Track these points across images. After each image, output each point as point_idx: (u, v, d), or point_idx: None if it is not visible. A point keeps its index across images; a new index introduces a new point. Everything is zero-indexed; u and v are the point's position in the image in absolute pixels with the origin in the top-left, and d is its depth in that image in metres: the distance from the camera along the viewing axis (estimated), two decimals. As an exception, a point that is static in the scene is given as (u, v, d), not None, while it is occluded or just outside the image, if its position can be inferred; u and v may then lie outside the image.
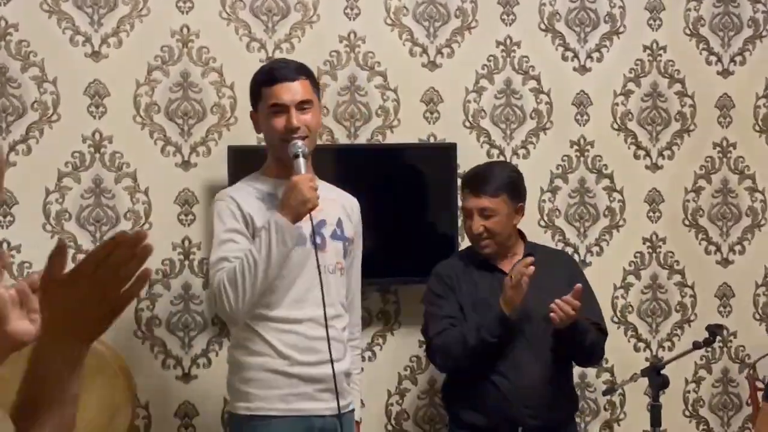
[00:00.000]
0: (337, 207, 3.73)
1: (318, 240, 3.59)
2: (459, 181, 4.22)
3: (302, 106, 3.58)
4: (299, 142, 3.53)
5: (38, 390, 1.72)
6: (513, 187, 4.07)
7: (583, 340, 3.95)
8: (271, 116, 3.59)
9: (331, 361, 3.52)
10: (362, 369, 4.01)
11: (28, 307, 1.66)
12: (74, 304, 1.67)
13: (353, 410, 3.74)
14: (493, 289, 3.96)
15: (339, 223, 3.71)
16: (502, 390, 3.93)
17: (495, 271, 4.06)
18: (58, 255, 1.67)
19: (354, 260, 3.81)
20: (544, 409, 3.96)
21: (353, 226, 3.78)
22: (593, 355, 4.14)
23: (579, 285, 3.84)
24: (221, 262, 3.52)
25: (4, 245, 4.32)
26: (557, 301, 3.79)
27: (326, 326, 3.52)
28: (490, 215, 4.01)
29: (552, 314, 3.79)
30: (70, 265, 1.67)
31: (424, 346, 4.20)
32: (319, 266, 3.51)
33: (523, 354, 3.95)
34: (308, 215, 3.48)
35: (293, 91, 3.58)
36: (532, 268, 3.77)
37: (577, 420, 4.75)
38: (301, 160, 3.51)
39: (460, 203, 4.23)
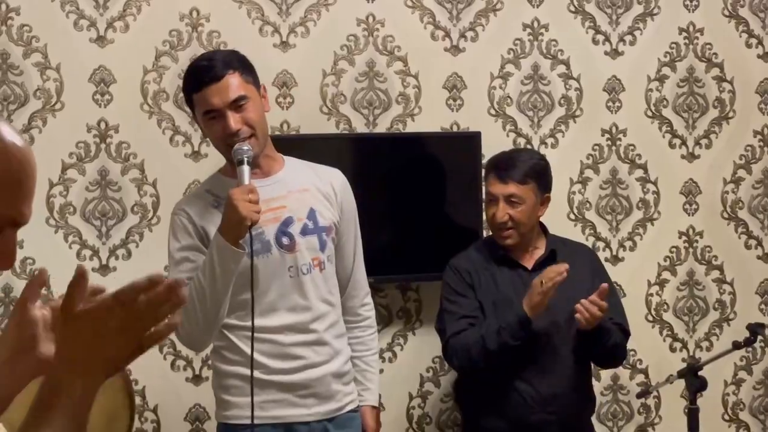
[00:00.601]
0: (311, 195, 3.54)
1: (286, 241, 3.44)
2: (483, 170, 4.07)
3: (237, 104, 3.37)
4: (244, 147, 3.32)
5: (47, 418, 1.63)
6: (542, 175, 3.98)
7: (606, 342, 3.87)
8: (209, 122, 3.40)
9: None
10: (378, 352, 3.84)
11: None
12: (96, 338, 1.61)
13: (356, 409, 3.61)
14: (515, 286, 3.91)
15: (311, 214, 3.51)
16: (524, 396, 3.87)
17: (516, 267, 3.98)
18: (77, 284, 1.64)
19: (348, 237, 3.62)
20: (566, 413, 3.91)
21: (335, 208, 3.58)
22: (615, 357, 4.07)
23: (605, 285, 3.77)
24: None
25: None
26: (583, 301, 3.71)
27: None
28: (516, 203, 3.91)
29: (577, 315, 3.71)
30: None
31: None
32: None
33: (546, 358, 3.87)
34: (249, 231, 3.28)
35: (223, 92, 3.35)
36: (565, 275, 3.66)
37: (610, 424, 4.78)
38: (245, 167, 3.30)
39: (484, 194, 4.12)
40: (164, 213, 4.31)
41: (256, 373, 3.39)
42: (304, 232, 3.48)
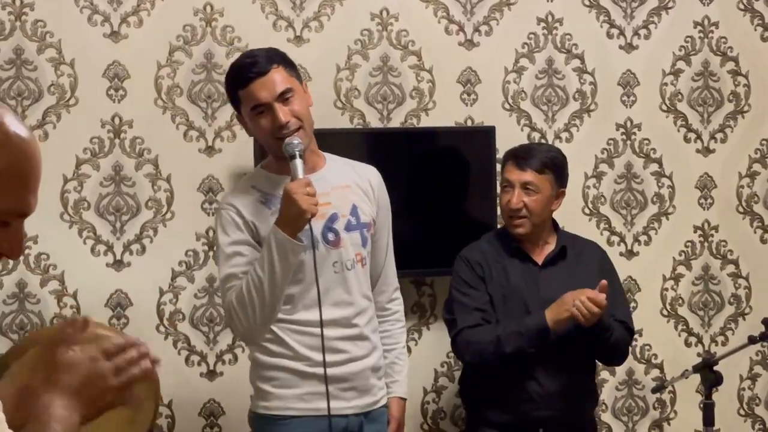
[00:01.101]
0: (352, 191, 3.59)
1: (331, 237, 3.49)
2: (502, 159, 4.07)
3: (284, 96, 3.41)
4: (294, 141, 3.37)
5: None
6: (559, 169, 3.97)
7: (607, 338, 3.85)
8: (256, 118, 3.43)
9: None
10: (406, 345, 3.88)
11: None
12: (83, 383, 1.69)
13: (386, 404, 3.65)
14: (525, 279, 3.90)
15: (354, 210, 3.56)
16: (531, 392, 3.86)
17: (527, 261, 3.96)
18: (72, 332, 1.70)
19: (382, 233, 3.68)
20: (571, 409, 3.90)
21: (373, 204, 3.64)
22: (616, 354, 4.05)
23: (604, 281, 3.73)
24: (230, 280, 3.44)
25: (20, 236, 4.17)
26: (582, 299, 3.67)
27: (322, 333, 3.44)
28: (532, 191, 3.89)
29: (575, 311, 3.68)
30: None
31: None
32: (316, 268, 3.41)
33: (554, 354, 3.83)
34: (309, 224, 3.34)
35: (269, 85, 3.40)
36: (604, 304, 3.65)
37: (625, 419, 4.77)
38: (298, 161, 3.35)
39: (499, 189, 4.10)
40: (178, 208, 4.32)
41: (301, 366, 3.46)
42: (348, 228, 3.53)
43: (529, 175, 3.88)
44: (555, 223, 4.07)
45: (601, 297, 3.68)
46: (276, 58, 3.46)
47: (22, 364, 1.80)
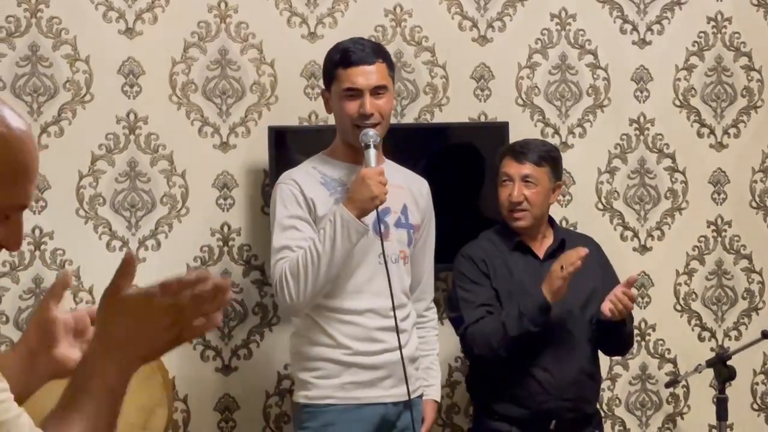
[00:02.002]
0: (404, 193, 3.72)
1: (381, 228, 3.57)
2: (498, 157, 4.07)
3: (377, 91, 3.55)
4: (371, 131, 3.51)
5: (78, 402, 1.62)
6: (555, 162, 4.01)
7: (624, 330, 3.89)
8: (345, 100, 3.57)
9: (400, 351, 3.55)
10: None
11: (82, 337, 1.74)
12: (138, 325, 1.62)
13: (421, 396, 3.77)
14: (528, 273, 3.91)
15: (404, 210, 3.70)
16: (542, 383, 3.86)
17: (528, 254, 3.98)
18: (125, 270, 1.65)
19: (427, 240, 3.83)
20: (581, 400, 3.92)
21: (421, 211, 3.78)
22: (627, 345, 4.10)
23: (634, 275, 3.81)
24: (284, 251, 3.52)
25: (36, 231, 4.21)
26: (617, 293, 3.72)
27: (395, 316, 3.55)
28: (532, 183, 3.92)
29: (610, 306, 3.71)
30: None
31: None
32: (385, 256, 3.52)
33: (563, 345, 3.88)
34: (375, 210, 3.47)
35: (369, 75, 3.55)
36: (579, 262, 3.67)
37: (638, 413, 4.79)
38: (372, 150, 3.49)
39: (499, 177, 4.05)
40: (193, 204, 4.33)
41: (341, 355, 3.55)
42: (398, 224, 3.66)
43: (528, 168, 3.90)
44: (551, 219, 4.10)
45: (633, 292, 3.75)
46: (382, 54, 3.62)
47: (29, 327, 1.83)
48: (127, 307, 1.62)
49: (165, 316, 1.62)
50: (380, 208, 3.50)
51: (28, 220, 4.18)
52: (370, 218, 3.52)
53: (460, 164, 4.50)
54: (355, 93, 3.53)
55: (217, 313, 1.65)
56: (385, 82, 3.57)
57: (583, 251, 3.68)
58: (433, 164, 4.43)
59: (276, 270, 3.51)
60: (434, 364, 3.89)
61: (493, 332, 3.80)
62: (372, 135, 3.49)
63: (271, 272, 3.64)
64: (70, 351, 1.76)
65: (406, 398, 3.59)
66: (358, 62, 3.54)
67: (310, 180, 3.60)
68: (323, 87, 3.72)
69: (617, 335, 3.88)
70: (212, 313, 1.64)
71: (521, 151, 3.94)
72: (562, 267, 3.68)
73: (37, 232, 4.21)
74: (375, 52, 3.60)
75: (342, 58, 3.58)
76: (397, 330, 3.51)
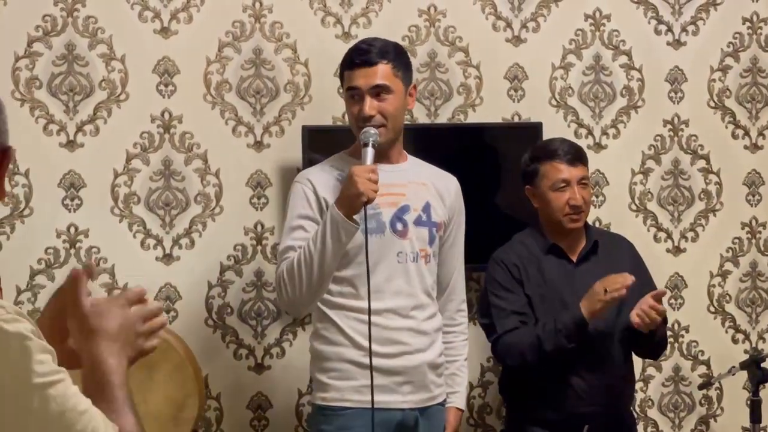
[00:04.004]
0: (427, 190, 3.66)
1: (400, 226, 3.55)
2: (530, 158, 3.98)
3: (377, 91, 3.51)
4: (372, 130, 3.46)
5: (113, 394, 1.74)
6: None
7: (654, 337, 3.86)
8: (350, 100, 3.56)
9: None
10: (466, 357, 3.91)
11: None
12: (115, 324, 1.77)
13: (443, 402, 3.69)
14: (562, 277, 3.87)
15: (426, 207, 3.63)
16: (576, 389, 3.83)
17: (562, 258, 3.93)
18: (75, 288, 1.78)
19: (454, 242, 3.76)
20: (614, 404, 3.90)
21: (448, 209, 3.71)
22: (658, 351, 4.06)
23: (663, 289, 3.81)
24: (288, 251, 3.50)
25: (71, 229, 4.24)
26: (644, 308, 3.69)
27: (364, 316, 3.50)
28: (586, 185, 3.92)
29: (637, 320, 3.69)
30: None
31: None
32: (366, 256, 3.44)
33: (597, 352, 3.83)
34: (364, 208, 3.38)
35: (370, 77, 3.51)
36: (624, 291, 3.65)
37: (671, 415, 4.76)
38: (369, 150, 3.43)
39: (550, 182, 3.93)
40: (227, 203, 4.34)
41: (358, 356, 3.50)
42: (418, 222, 3.59)
43: (582, 170, 3.88)
44: None
45: (661, 306, 3.71)
46: (390, 54, 3.56)
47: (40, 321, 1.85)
48: (99, 310, 1.74)
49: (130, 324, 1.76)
50: (398, 204, 3.50)
51: (64, 217, 4.22)
52: (389, 217, 3.51)
53: (494, 165, 4.49)
54: (356, 93, 3.52)
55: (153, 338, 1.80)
56: (387, 83, 3.51)
57: (629, 279, 3.65)
58: (467, 165, 4.39)
59: (278, 270, 3.50)
60: (460, 370, 3.80)
61: (527, 345, 3.77)
62: (372, 134, 3.44)
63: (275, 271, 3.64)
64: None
65: (425, 405, 3.57)
66: (360, 64, 3.51)
67: (326, 178, 3.57)
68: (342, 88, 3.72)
69: (647, 342, 3.85)
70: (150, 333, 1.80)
71: (573, 152, 3.89)
72: (606, 290, 3.65)
73: (72, 230, 4.24)
74: (380, 52, 3.54)
75: (347, 59, 3.58)
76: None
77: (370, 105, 3.48)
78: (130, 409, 1.70)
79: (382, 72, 3.51)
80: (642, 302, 3.70)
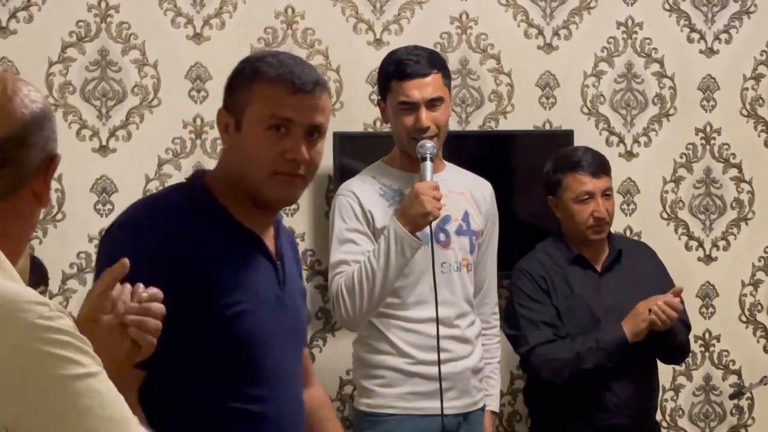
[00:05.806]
0: (465, 199, 3.70)
1: (443, 237, 3.59)
2: (553, 169, 3.96)
3: (432, 103, 3.52)
4: (428, 143, 3.48)
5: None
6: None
7: (674, 340, 3.85)
8: (400, 113, 3.54)
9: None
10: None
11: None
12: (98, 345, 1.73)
13: (483, 407, 3.74)
14: (588, 287, 3.86)
15: (465, 216, 3.67)
16: (604, 402, 3.82)
17: (587, 268, 3.92)
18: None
19: (489, 246, 3.80)
20: (641, 414, 3.89)
21: (484, 216, 3.75)
22: (678, 356, 4.05)
23: (680, 286, 3.76)
24: (341, 265, 3.51)
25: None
26: (659, 303, 3.67)
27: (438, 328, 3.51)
28: (609, 196, 3.92)
29: (652, 317, 3.67)
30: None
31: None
32: (434, 267, 3.49)
33: (625, 364, 3.79)
34: (429, 225, 3.43)
35: (424, 88, 3.52)
36: (680, 308, 3.68)
37: (702, 425, 4.74)
38: (428, 164, 3.45)
39: (573, 194, 3.92)
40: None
41: (402, 363, 3.54)
42: (459, 232, 3.63)
43: (606, 181, 3.87)
44: None
45: (677, 302, 3.69)
46: (438, 63, 3.58)
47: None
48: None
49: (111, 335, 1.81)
50: (435, 222, 3.48)
51: (96, 222, 4.24)
52: (433, 227, 3.50)
53: (525, 172, 4.47)
54: (411, 106, 3.51)
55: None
56: (441, 93, 3.53)
57: (677, 304, 3.66)
58: (498, 172, 4.38)
59: (333, 285, 3.51)
60: (494, 373, 3.84)
61: (565, 361, 3.75)
62: (429, 147, 3.46)
63: (328, 287, 3.64)
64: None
65: (468, 410, 3.62)
66: (413, 75, 3.51)
67: (369, 191, 3.58)
68: (379, 96, 3.70)
69: (665, 344, 3.83)
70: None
71: (597, 163, 3.87)
72: (650, 310, 3.65)
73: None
74: (430, 62, 3.55)
75: (396, 69, 3.55)
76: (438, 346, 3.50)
77: (427, 116, 3.49)
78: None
79: (435, 82, 3.53)
80: (657, 297, 3.69)
